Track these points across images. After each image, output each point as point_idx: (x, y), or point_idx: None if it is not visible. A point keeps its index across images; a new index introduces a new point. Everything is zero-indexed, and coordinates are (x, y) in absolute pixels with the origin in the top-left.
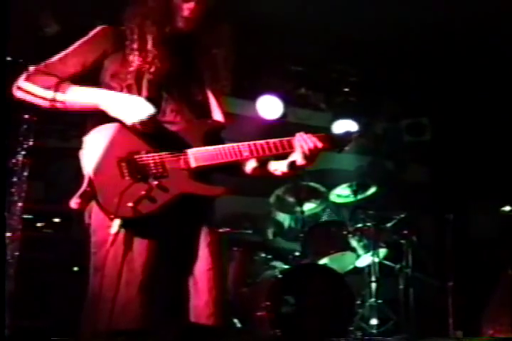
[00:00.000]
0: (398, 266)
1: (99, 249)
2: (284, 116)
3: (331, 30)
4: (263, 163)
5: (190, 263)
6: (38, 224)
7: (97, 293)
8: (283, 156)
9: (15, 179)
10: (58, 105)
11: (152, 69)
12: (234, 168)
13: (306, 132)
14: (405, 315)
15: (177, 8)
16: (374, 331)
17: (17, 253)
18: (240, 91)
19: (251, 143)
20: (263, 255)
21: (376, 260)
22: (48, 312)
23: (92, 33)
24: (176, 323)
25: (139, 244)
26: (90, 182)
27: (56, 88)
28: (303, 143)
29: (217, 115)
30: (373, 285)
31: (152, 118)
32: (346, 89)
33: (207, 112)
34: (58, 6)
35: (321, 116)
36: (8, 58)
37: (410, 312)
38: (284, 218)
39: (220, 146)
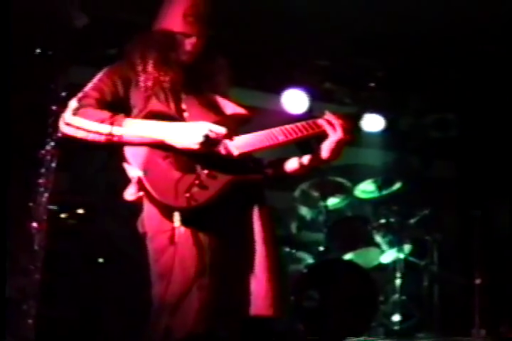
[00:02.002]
0: (423, 263)
1: (161, 255)
2: (309, 110)
3: (356, 24)
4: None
5: (250, 254)
6: (62, 215)
7: (166, 302)
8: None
9: (43, 170)
10: (115, 139)
11: (167, 79)
12: (278, 170)
13: None
14: (429, 312)
15: (180, 43)
16: (396, 327)
17: (43, 244)
18: (265, 85)
19: (282, 127)
20: (287, 249)
21: (401, 256)
22: (73, 303)
23: (103, 74)
24: (240, 320)
25: (204, 244)
26: (140, 181)
27: (112, 121)
28: (328, 122)
29: (239, 110)
30: (397, 282)
31: (219, 141)
32: (372, 84)
33: (222, 113)
34: None
35: (346, 111)
36: (38, 50)
37: (434, 309)
38: (307, 212)
39: (255, 133)
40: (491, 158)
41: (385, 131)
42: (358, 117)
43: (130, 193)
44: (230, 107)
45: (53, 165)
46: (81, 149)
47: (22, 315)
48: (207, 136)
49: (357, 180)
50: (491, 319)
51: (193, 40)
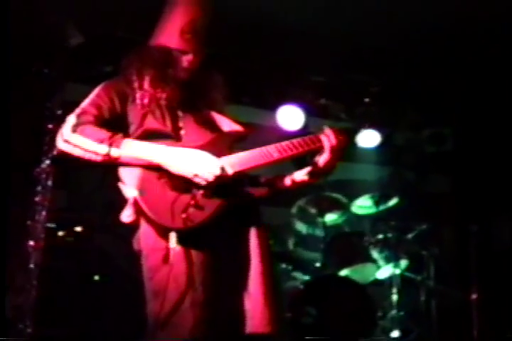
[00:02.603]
0: (420, 278)
1: (156, 273)
2: (305, 126)
3: (351, 39)
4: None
5: (244, 272)
6: (60, 233)
7: (161, 319)
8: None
9: (39, 188)
10: (112, 160)
11: (164, 96)
12: (271, 187)
13: None
14: (427, 326)
15: (176, 59)
16: None
17: (39, 262)
18: (261, 101)
19: (277, 144)
20: (284, 266)
21: (397, 271)
22: (69, 321)
23: (101, 89)
24: (236, 336)
25: (197, 262)
26: (136, 202)
27: (110, 142)
28: (326, 138)
29: (235, 127)
30: (394, 297)
31: (221, 175)
32: (367, 100)
33: (218, 130)
34: (82, 16)
35: (342, 127)
36: (34, 69)
37: (432, 324)
38: (302, 227)
39: (249, 151)
40: (488, 171)
41: (380, 146)
42: (354, 132)
43: (127, 215)
44: (226, 124)
45: (49, 183)
46: (77, 167)
47: (18, 334)
48: (218, 177)
49: (353, 196)
50: (489, 333)
51: (189, 57)
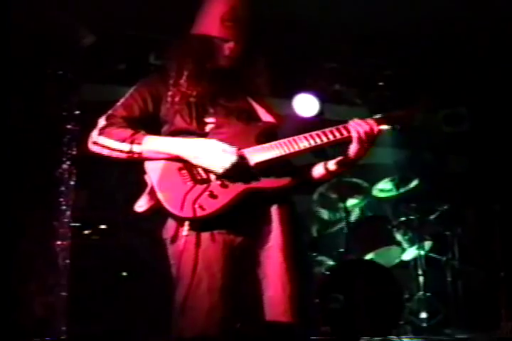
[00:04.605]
0: (445, 258)
1: (176, 259)
2: (320, 113)
3: (362, 23)
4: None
5: (264, 261)
6: (85, 232)
7: (182, 303)
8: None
9: (62, 188)
10: (136, 156)
11: (194, 93)
12: (303, 179)
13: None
14: (455, 307)
15: (218, 47)
16: (424, 324)
17: (67, 261)
18: (276, 91)
19: (306, 134)
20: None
21: (422, 253)
22: (100, 318)
23: (135, 90)
24: (256, 324)
25: (215, 249)
26: (152, 191)
27: (132, 140)
28: (358, 128)
29: (268, 118)
30: (421, 279)
31: (238, 163)
32: (381, 83)
33: (255, 119)
34: (92, 16)
35: (357, 112)
36: (49, 71)
37: (460, 304)
38: (325, 214)
39: (275, 142)
40: (506, 150)
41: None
42: (384, 121)
43: (140, 205)
44: (261, 114)
45: (72, 183)
46: (97, 166)
47: (53, 333)
48: (235, 165)
49: (373, 180)
50: None
51: (231, 44)
